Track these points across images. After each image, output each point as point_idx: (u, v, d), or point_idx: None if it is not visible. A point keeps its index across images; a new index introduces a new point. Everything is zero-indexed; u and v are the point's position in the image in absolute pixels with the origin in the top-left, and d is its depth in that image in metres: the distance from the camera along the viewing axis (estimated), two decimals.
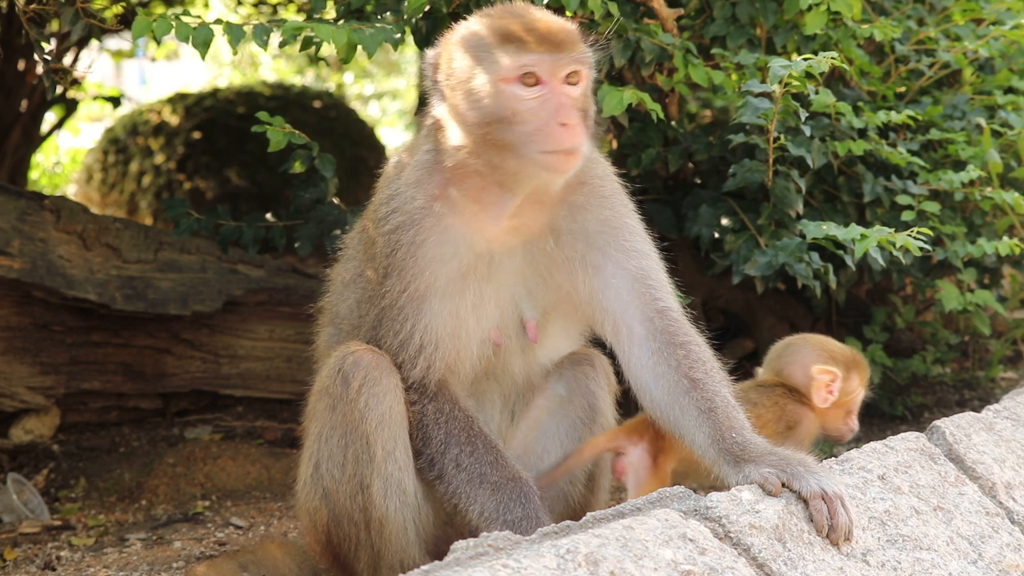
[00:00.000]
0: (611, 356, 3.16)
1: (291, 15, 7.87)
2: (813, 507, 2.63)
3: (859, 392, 3.53)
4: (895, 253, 3.76)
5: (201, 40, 3.64)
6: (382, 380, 2.92)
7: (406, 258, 2.95)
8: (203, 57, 3.67)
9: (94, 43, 7.36)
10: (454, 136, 2.93)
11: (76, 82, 6.50)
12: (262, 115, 4.07)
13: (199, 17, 3.72)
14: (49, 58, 4.05)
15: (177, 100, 10.34)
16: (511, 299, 3.05)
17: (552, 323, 3.15)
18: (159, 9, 7.41)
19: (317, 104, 10.51)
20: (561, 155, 2.83)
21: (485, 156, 2.89)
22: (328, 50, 3.99)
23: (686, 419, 2.90)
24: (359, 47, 3.71)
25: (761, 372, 3.62)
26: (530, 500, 2.89)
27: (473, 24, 2.94)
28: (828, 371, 3.45)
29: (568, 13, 3.67)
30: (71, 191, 11.00)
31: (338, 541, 3.03)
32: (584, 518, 2.53)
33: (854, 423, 3.54)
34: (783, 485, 2.67)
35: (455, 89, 2.91)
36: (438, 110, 2.98)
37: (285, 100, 10.17)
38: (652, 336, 2.97)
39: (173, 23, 3.61)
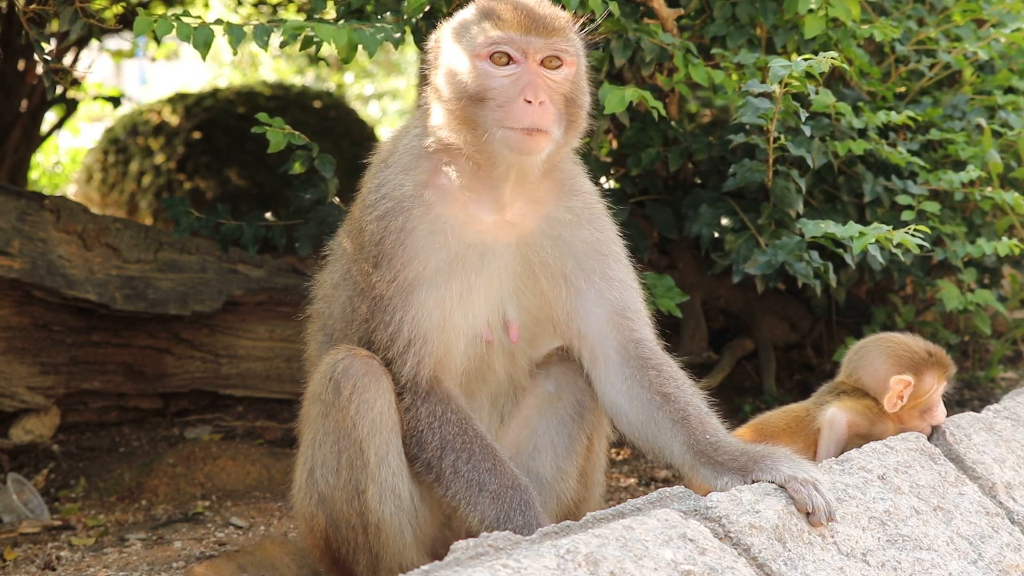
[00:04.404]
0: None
1: (291, 15, 7.86)
2: (791, 488, 2.67)
3: (936, 391, 3.40)
4: (894, 251, 3.76)
5: (202, 40, 3.65)
6: (372, 386, 2.92)
7: (395, 246, 2.94)
8: (204, 58, 3.68)
9: (94, 43, 7.36)
10: (436, 116, 2.95)
11: (76, 82, 6.48)
12: (262, 116, 4.06)
13: (199, 18, 3.72)
14: (49, 58, 4.04)
15: (177, 100, 10.34)
16: (498, 295, 3.04)
17: (533, 330, 3.15)
18: (159, 9, 7.41)
19: (317, 104, 10.51)
20: (522, 133, 2.82)
21: (462, 135, 2.90)
22: (328, 50, 3.99)
23: (662, 433, 2.96)
24: (359, 47, 3.72)
25: (840, 373, 3.56)
26: (530, 507, 2.89)
27: (467, 9, 3.00)
28: (903, 380, 3.35)
29: (568, 13, 3.66)
30: (71, 191, 11.00)
31: (336, 545, 3.03)
32: (584, 518, 2.53)
33: (935, 419, 3.38)
34: (753, 482, 2.73)
35: (438, 67, 2.97)
36: (427, 93, 3.01)
37: (285, 100, 10.17)
38: (626, 362, 3.04)
39: (174, 23, 3.61)
